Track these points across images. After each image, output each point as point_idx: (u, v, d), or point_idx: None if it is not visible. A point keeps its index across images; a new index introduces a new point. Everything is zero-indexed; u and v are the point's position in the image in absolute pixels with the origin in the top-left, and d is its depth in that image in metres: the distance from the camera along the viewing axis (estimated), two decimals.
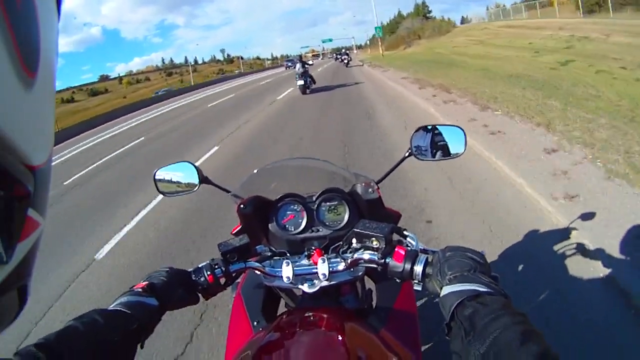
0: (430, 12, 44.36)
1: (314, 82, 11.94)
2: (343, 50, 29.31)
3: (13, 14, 0.19)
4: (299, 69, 11.45)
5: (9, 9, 0.18)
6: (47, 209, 0.25)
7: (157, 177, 1.04)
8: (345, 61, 23.70)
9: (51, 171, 0.26)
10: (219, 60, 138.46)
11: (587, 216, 2.35)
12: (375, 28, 29.33)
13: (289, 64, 39.60)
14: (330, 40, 70.95)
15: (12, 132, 0.19)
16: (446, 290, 0.57)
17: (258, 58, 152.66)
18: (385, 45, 40.95)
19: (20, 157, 0.20)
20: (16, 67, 0.19)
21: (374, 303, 0.93)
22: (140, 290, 0.66)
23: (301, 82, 11.09)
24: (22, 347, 0.48)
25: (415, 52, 20.23)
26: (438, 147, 0.98)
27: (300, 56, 13.89)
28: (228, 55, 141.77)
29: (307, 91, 11.27)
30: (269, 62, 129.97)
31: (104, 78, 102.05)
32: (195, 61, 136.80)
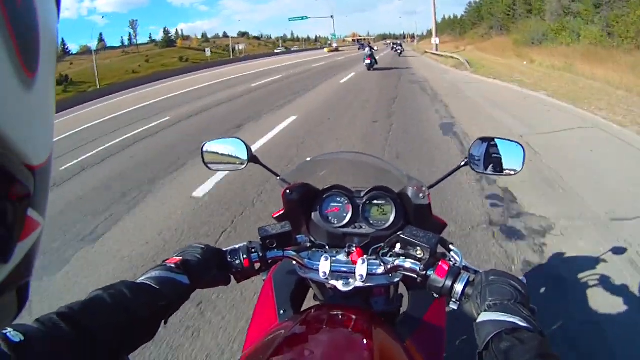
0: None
1: (377, 63, 15.32)
2: (398, 42, 31.84)
3: (13, 14, 0.18)
4: (367, 52, 15.23)
5: (9, 8, 0.18)
6: (47, 208, 0.26)
7: (205, 150, 1.00)
8: (399, 51, 26.53)
9: (51, 171, 0.26)
10: (171, 41, 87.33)
11: None
12: None
13: (359, 45, 48.81)
14: None
15: (12, 132, 0.19)
16: (484, 317, 0.55)
17: (257, 38, 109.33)
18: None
19: (20, 157, 0.20)
20: (16, 67, 0.19)
21: (402, 309, 0.91)
22: (172, 266, 0.63)
23: (368, 62, 14.70)
24: (43, 315, 0.46)
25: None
26: (492, 159, 0.91)
27: (369, 42, 19.31)
28: (166, 33, 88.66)
29: (372, 69, 14.63)
30: (240, 48, 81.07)
31: None
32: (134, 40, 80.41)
